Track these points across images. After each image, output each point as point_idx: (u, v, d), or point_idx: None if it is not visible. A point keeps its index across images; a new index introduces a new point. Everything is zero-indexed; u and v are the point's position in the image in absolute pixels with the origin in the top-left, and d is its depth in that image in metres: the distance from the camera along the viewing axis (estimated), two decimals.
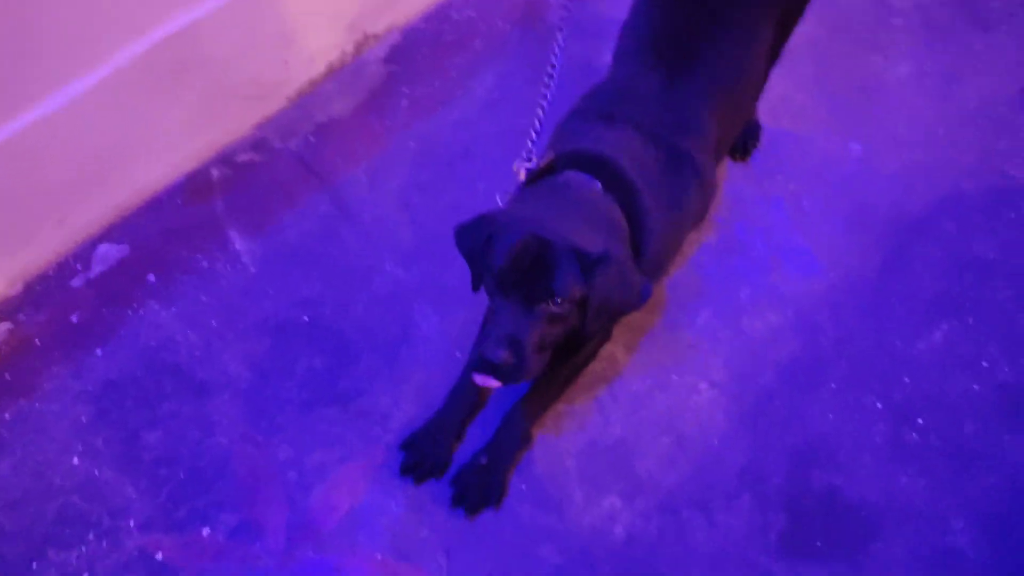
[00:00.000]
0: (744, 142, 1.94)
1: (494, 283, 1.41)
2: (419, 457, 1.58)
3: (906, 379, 1.66)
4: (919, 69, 2.11)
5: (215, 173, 2.01)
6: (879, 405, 1.63)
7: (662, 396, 1.67)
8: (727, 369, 1.69)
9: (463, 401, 1.62)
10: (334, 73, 2.14)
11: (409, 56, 2.19)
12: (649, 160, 1.54)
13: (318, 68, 2.10)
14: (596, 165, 1.50)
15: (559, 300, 1.37)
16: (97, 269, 1.87)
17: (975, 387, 1.64)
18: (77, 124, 1.71)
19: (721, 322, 1.75)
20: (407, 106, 2.11)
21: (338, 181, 1.98)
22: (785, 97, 2.05)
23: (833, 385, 1.66)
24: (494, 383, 1.41)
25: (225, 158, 2.02)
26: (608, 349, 1.71)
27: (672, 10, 1.61)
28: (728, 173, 1.92)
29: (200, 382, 1.71)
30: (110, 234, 1.91)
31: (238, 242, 1.90)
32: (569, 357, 1.61)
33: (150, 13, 1.70)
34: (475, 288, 1.51)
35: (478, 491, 1.53)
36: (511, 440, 1.57)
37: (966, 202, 1.88)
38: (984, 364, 1.66)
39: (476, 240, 1.46)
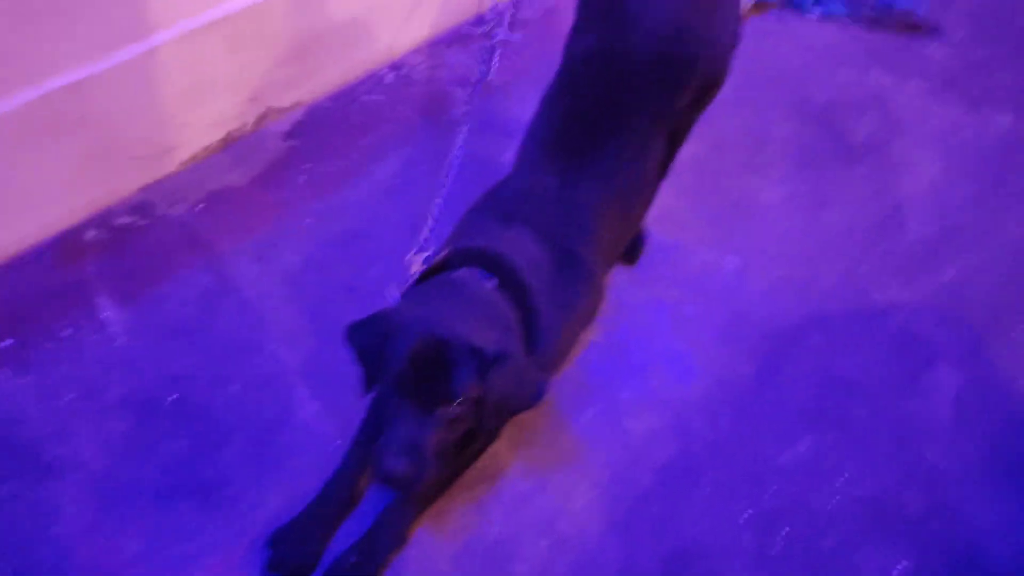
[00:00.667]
0: (632, 248, 2.03)
1: (391, 386, 1.38)
2: (285, 555, 1.47)
3: (774, 487, 1.73)
4: (791, 192, 2.28)
5: (90, 235, 1.89)
6: (749, 512, 1.68)
7: (543, 496, 1.66)
8: (608, 470, 1.71)
9: (338, 496, 1.54)
10: (232, 143, 2.10)
11: (312, 133, 2.18)
12: (543, 261, 1.58)
13: (216, 136, 2.05)
14: (492, 263, 1.52)
15: (458, 401, 1.35)
16: None
17: (836, 498, 1.73)
18: None
19: (604, 422, 1.78)
20: (305, 182, 2.08)
21: (224, 253, 1.91)
22: (670, 207, 2.16)
23: (707, 490, 1.71)
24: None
25: (103, 220, 1.92)
26: (494, 446, 1.70)
27: (571, 118, 1.69)
28: (616, 277, 1.99)
29: (47, 463, 1.57)
30: None
31: (108, 310, 1.79)
32: (457, 455, 1.58)
33: (44, 63, 1.62)
34: (367, 389, 1.47)
35: None
36: (385, 539, 1.51)
37: (832, 320, 2.02)
38: (844, 476, 1.76)
39: (371, 339, 1.43)
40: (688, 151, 2.29)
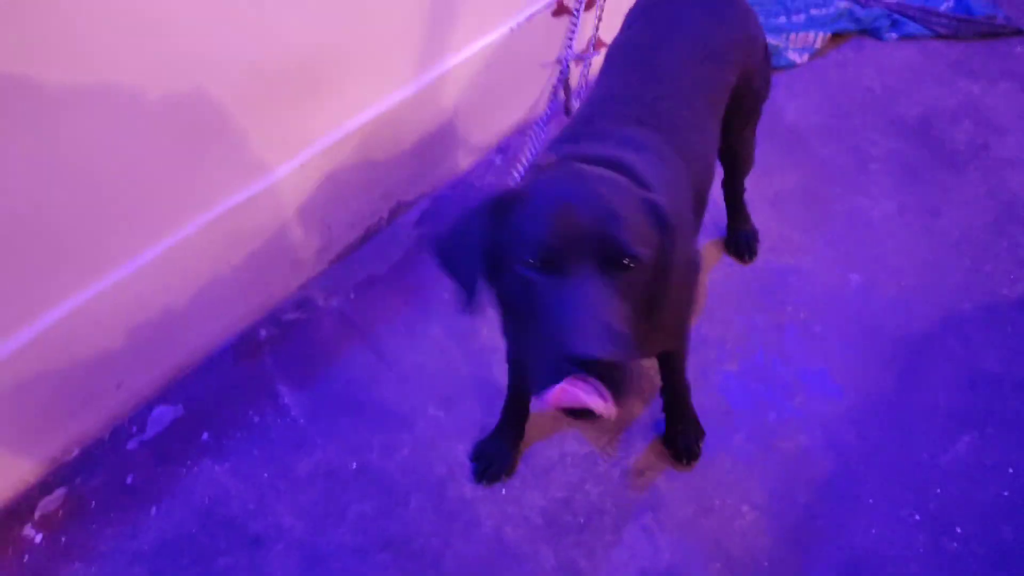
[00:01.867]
0: (748, 243, 2.20)
1: (537, 263, 1.08)
2: (488, 464, 1.82)
3: (938, 490, 1.73)
4: (901, 205, 2.32)
5: (263, 333, 2.14)
6: (917, 516, 1.69)
7: (707, 521, 1.71)
8: (765, 490, 1.75)
9: (517, 410, 1.81)
10: (371, 237, 2.34)
11: (438, 220, 2.40)
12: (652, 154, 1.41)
13: (356, 233, 2.30)
14: (604, 162, 1.29)
15: (635, 260, 1.09)
16: (152, 431, 1.96)
17: (1005, 493, 1.70)
18: (142, 291, 1.86)
19: (754, 445, 1.83)
20: None
21: (379, 334, 2.12)
22: (784, 237, 2.25)
23: (871, 500, 1.72)
24: (579, 395, 1.02)
25: (272, 318, 2.17)
26: (650, 478, 1.78)
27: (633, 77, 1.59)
28: (741, 305, 2.07)
29: (254, 534, 1.75)
30: (165, 396, 2.01)
31: (287, 396, 2.00)
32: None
33: (218, 188, 1.90)
34: (470, 298, 1.19)
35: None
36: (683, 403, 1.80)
37: (966, 320, 2.02)
38: (1010, 471, 1.74)
39: (479, 225, 1.16)
40: (792, 179, 2.39)
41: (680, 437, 1.82)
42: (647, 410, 1.91)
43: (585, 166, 1.21)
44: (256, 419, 1.96)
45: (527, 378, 1.60)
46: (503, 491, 1.79)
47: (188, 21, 1.59)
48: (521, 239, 1.10)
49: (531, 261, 1.09)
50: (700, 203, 1.56)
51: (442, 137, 2.35)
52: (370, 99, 2.11)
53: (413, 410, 1.95)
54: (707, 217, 1.70)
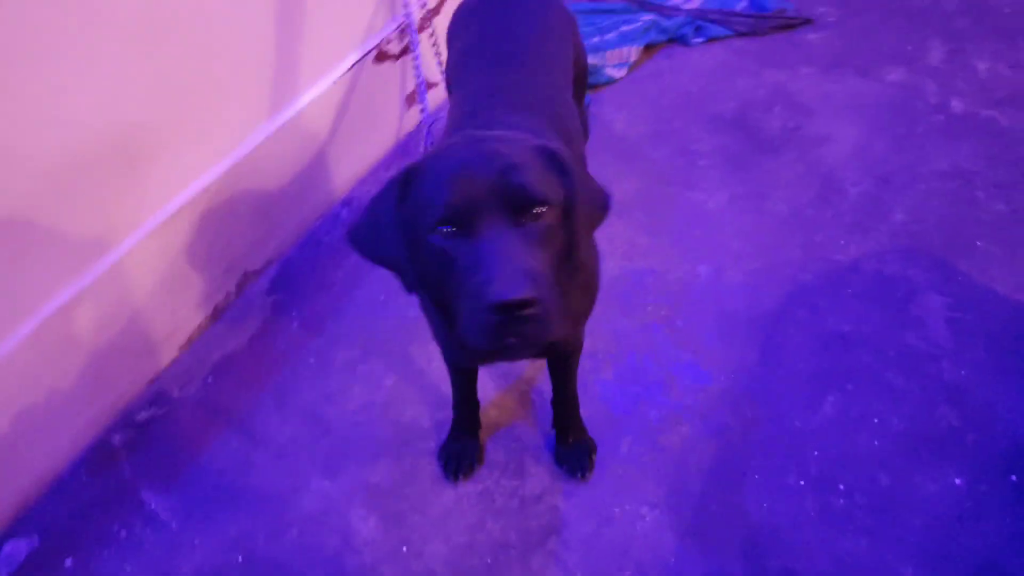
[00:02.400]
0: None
1: (446, 228, 1.08)
2: (454, 461, 1.81)
3: (815, 452, 1.80)
4: (732, 195, 2.46)
5: (117, 438, 1.97)
6: (801, 482, 1.75)
7: (609, 531, 1.71)
8: (660, 488, 1.77)
9: (468, 400, 1.80)
10: (221, 314, 2.22)
11: (290, 283, 2.32)
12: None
13: (205, 312, 2.17)
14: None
15: (543, 207, 1.09)
16: (6, 570, 1.75)
17: (875, 442, 1.80)
18: None
19: (641, 446, 1.85)
20: (298, 326, 2.20)
21: (245, 412, 2.00)
22: (630, 240, 2.32)
23: (756, 476, 1.78)
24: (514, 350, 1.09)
25: (125, 420, 2.00)
26: (548, 501, 1.76)
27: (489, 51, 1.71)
28: (606, 313, 2.11)
29: None
30: (16, 529, 1.81)
31: (153, 502, 1.85)
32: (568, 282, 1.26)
33: (41, 290, 1.74)
34: (405, 278, 1.19)
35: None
36: (572, 410, 1.81)
37: (810, 290, 2.15)
38: (875, 420, 1.84)
39: (386, 204, 1.16)
40: (631, 187, 2.48)
41: (573, 452, 1.82)
42: (534, 430, 1.90)
43: (479, 132, 1.23)
44: (123, 533, 1.79)
45: (459, 352, 1.47)
46: (403, 548, 1.72)
47: None
48: (427, 208, 1.09)
49: (440, 228, 1.08)
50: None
51: (280, 198, 2.28)
52: (196, 170, 2.02)
53: (295, 486, 1.85)
54: None
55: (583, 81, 1.95)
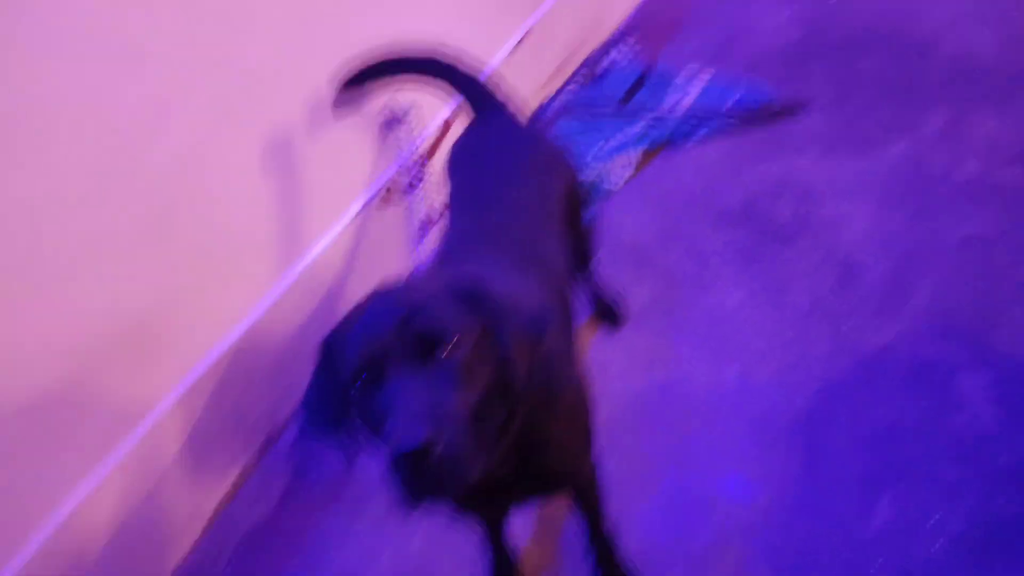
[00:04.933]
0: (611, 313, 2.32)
1: (360, 386, 1.07)
2: None
3: (880, 559, 1.68)
4: (749, 291, 2.41)
5: None
6: None
7: None
8: None
9: (498, 555, 1.75)
10: (242, 483, 2.19)
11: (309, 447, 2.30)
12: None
13: (225, 486, 2.15)
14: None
15: (454, 341, 1.06)
16: None
17: (938, 543, 1.68)
18: None
19: (691, 574, 1.74)
20: (320, 489, 2.16)
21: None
22: (650, 350, 2.27)
23: None
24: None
25: None
26: None
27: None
28: (634, 434, 2.04)
29: None
30: None
31: None
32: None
33: (51, 493, 1.74)
34: (344, 450, 1.15)
35: None
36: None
37: (840, 384, 2.06)
38: (933, 519, 1.72)
39: (317, 378, 1.17)
40: (645, 293, 2.46)
41: None
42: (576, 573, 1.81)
43: (393, 282, 1.22)
44: None
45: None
46: None
47: None
48: (343, 366, 1.10)
49: (355, 383, 1.07)
50: (564, 301, 1.57)
51: (293, 356, 2.29)
52: (209, 342, 2.05)
53: None
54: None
55: (579, 210, 1.95)
